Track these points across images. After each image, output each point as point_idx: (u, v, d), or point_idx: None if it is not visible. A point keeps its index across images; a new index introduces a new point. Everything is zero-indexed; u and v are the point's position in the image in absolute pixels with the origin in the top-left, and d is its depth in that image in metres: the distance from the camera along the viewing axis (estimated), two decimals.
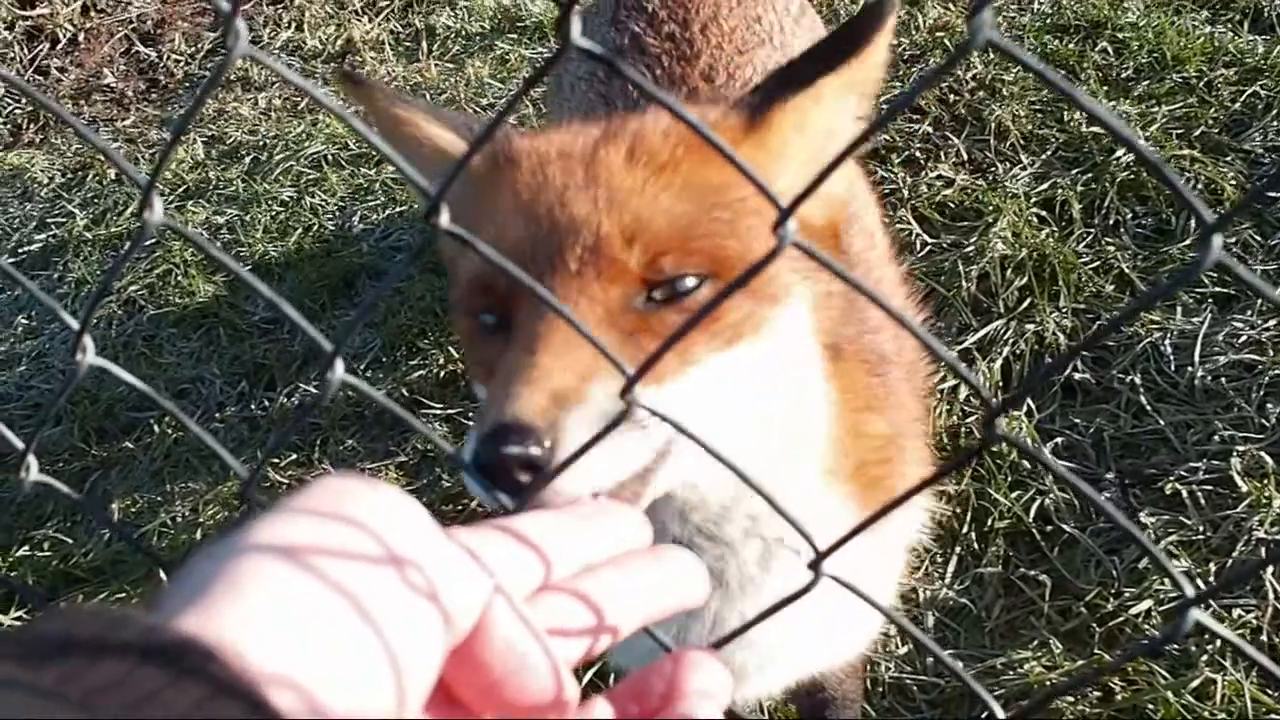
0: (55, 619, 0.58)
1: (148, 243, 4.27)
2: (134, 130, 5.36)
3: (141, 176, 0.78)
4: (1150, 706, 2.45)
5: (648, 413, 0.91)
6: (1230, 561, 2.64)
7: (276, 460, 3.47)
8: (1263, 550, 2.65)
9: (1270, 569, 2.61)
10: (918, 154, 3.88)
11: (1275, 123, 3.66)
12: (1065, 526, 2.79)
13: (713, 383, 1.28)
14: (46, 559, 3.41)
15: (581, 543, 0.82)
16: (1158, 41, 4.05)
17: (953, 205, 3.66)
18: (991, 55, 4.05)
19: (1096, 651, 2.58)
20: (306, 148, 4.73)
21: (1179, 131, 3.71)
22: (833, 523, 1.44)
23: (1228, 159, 3.58)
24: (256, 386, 3.83)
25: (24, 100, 5.62)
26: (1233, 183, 3.49)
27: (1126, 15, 4.21)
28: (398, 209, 4.31)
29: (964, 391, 3.10)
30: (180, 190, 4.75)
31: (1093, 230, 3.48)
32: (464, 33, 5.34)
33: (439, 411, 3.48)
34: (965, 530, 2.84)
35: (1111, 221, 3.50)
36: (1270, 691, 2.43)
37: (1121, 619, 2.61)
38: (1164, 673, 2.49)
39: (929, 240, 3.57)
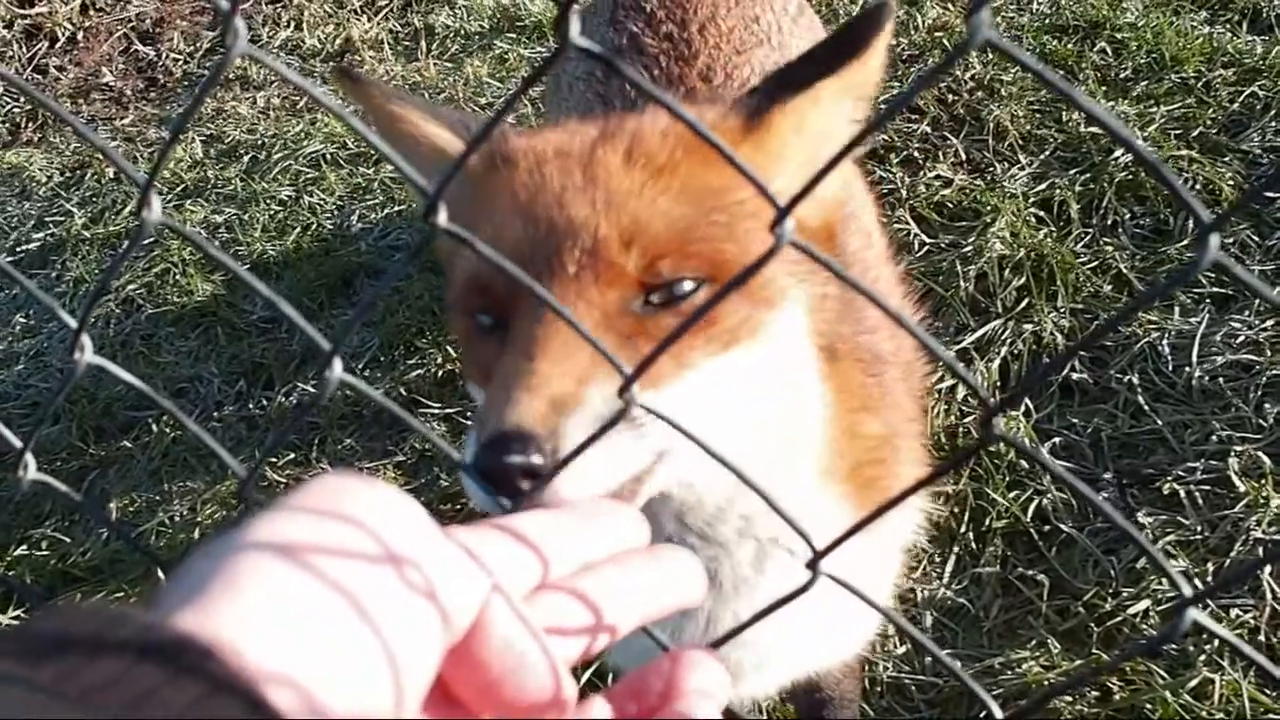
0: (53, 617, 0.58)
1: (146, 241, 4.27)
2: (132, 129, 5.36)
3: (140, 175, 0.78)
4: (1148, 706, 2.45)
5: (644, 414, 0.91)
6: (1228, 561, 2.64)
7: (274, 459, 3.47)
8: (1260, 550, 2.65)
9: (1268, 569, 2.61)
10: (916, 154, 3.88)
11: (1273, 123, 3.66)
12: (1063, 526, 2.80)
13: (709, 387, 1.28)
14: (44, 558, 3.41)
15: (580, 542, 0.82)
16: (1156, 42, 4.05)
17: (951, 205, 3.66)
18: (990, 55, 4.06)
19: (1094, 651, 2.58)
20: (305, 147, 4.73)
21: (1177, 132, 3.71)
22: (828, 523, 1.44)
23: (1226, 159, 3.58)
24: (254, 385, 3.83)
25: (22, 99, 5.61)
26: (1230, 183, 3.49)
27: (1125, 15, 4.22)
28: (396, 208, 4.31)
29: (962, 391, 3.10)
30: (178, 189, 4.75)
31: (1091, 230, 3.48)
32: (463, 32, 5.34)
33: (437, 411, 3.48)
34: (963, 530, 2.84)
35: (1109, 221, 3.50)
36: (1268, 691, 2.43)
37: (1119, 619, 2.61)
38: (1162, 672, 2.49)
39: (927, 240, 3.57)
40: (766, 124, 1.42)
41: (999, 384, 3.14)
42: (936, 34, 4.39)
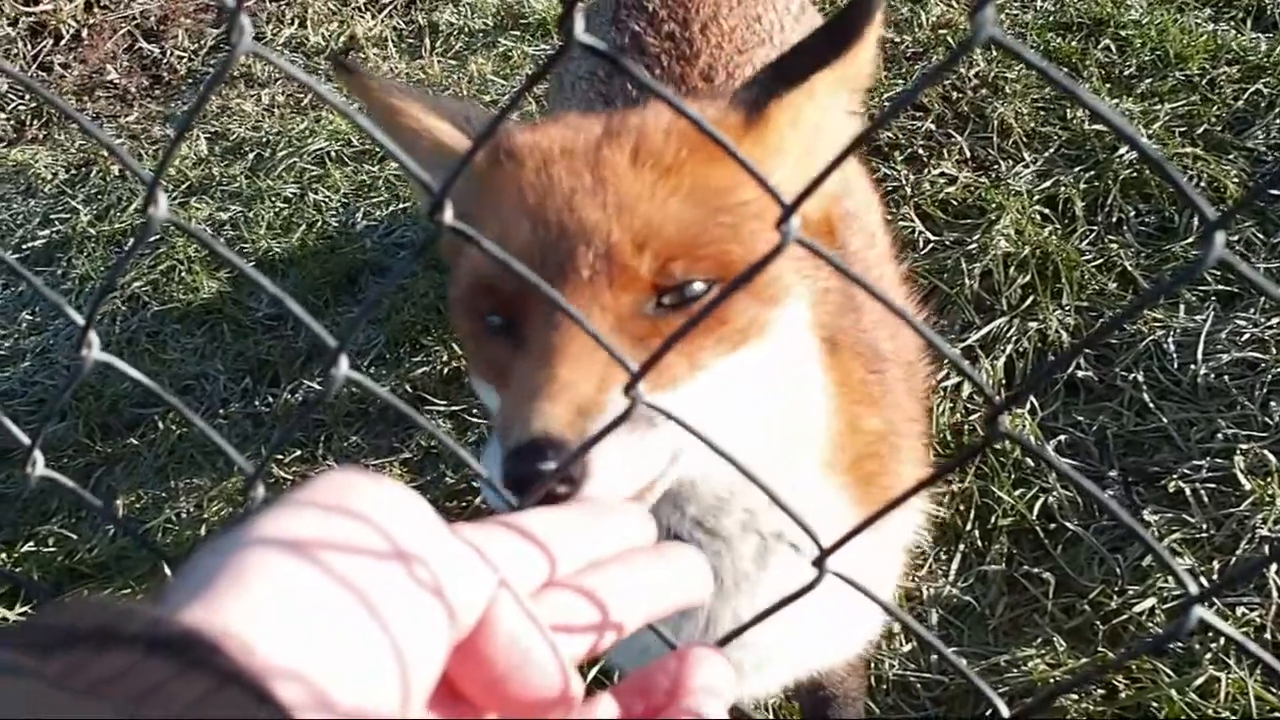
0: (61, 612, 0.58)
1: (151, 239, 4.28)
2: (137, 126, 5.36)
3: (146, 173, 0.78)
4: (1154, 704, 2.45)
5: (657, 412, 0.92)
6: (1234, 559, 2.64)
7: (280, 456, 3.47)
8: (1266, 548, 2.64)
9: (1274, 566, 2.61)
10: (920, 151, 3.88)
11: (1278, 120, 3.65)
12: (1069, 524, 2.79)
13: (721, 386, 1.28)
14: (51, 555, 3.41)
15: (587, 539, 0.82)
16: (1160, 39, 4.04)
17: (955, 203, 3.66)
18: (994, 52, 4.05)
19: (1100, 649, 2.57)
20: (309, 144, 4.73)
21: (1182, 129, 3.70)
22: (829, 516, 1.44)
23: (1230, 157, 3.58)
24: (260, 382, 3.84)
25: (28, 96, 5.61)
26: (1235, 180, 3.48)
27: (1129, 13, 4.21)
28: (401, 205, 4.31)
29: (967, 389, 3.10)
30: (183, 186, 4.75)
31: (1095, 228, 3.48)
32: (467, 29, 5.34)
33: (443, 408, 3.48)
34: (969, 528, 2.84)
35: (1114, 219, 3.50)
36: (1274, 689, 2.43)
37: (1125, 616, 2.61)
38: (1168, 670, 2.49)
39: (932, 238, 3.57)
40: (765, 119, 1.42)
41: (1004, 382, 3.13)
42: (940, 31, 4.38)
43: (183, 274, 4.29)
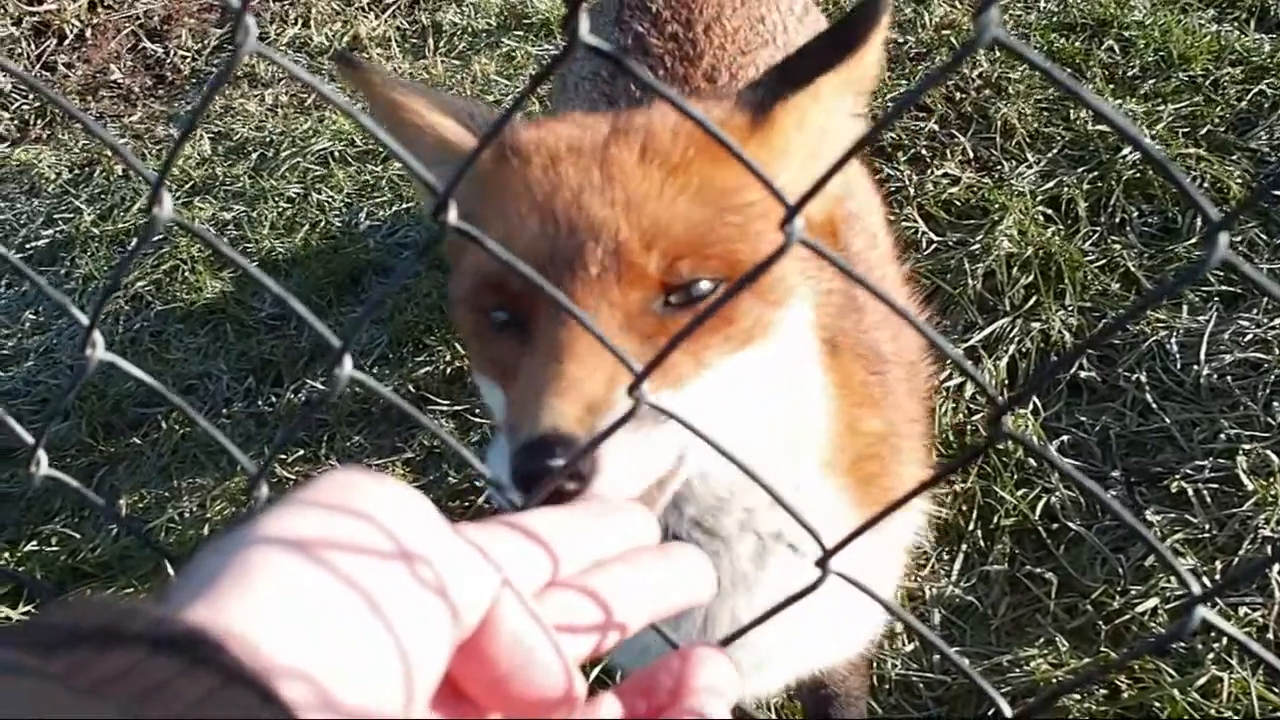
0: (64, 610, 0.58)
1: (155, 239, 4.28)
2: (141, 126, 5.37)
3: (150, 173, 0.78)
4: (1157, 704, 2.45)
5: (660, 411, 0.92)
6: (1236, 559, 2.64)
7: (283, 456, 3.47)
8: (1269, 548, 2.64)
9: (1276, 567, 2.61)
10: (924, 152, 3.88)
11: None
12: (1071, 524, 2.79)
13: (727, 385, 1.29)
14: (54, 554, 3.42)
15: (591, 539, 0.82)
16: (1164, 40, 4.04)
17: (959, 203, 3.66)
18: (998, 53, 4.05)
19: (1103, 649, 2.57)
20: (313, 144, 4.73)
21: (1185, 130, 3.70)
22: (829, 516, 1.44)
23: (1234, 157, 3.58)
24: (263, 382, 3.84)
25: (31, 96, 5.62)
26: (1239, 181, 3.48)
27: (1133, 13, 4.21)
28: (404, 205, 4.31)
29: (970, 389, 3.10)
30: (187, 186, 4.75)
31: (1099, 228, 3.48)
32: (470, 29, 5.34)
33: (445, 408, 3.49)
34: (971, 528, 2.84)
35: (1117, 220, 3.50)
36: (1277, 689, 2.43)
37: (1128, 617, 2.61)
38: (1170, 670, 2.49)
39: (935, 238, 3.57)
40: (770, 120, 1.42)
41: (1007, 382, 3.13)
42: (944, 32, 4.38)
43: (186, 274, 4.29)
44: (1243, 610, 2.57)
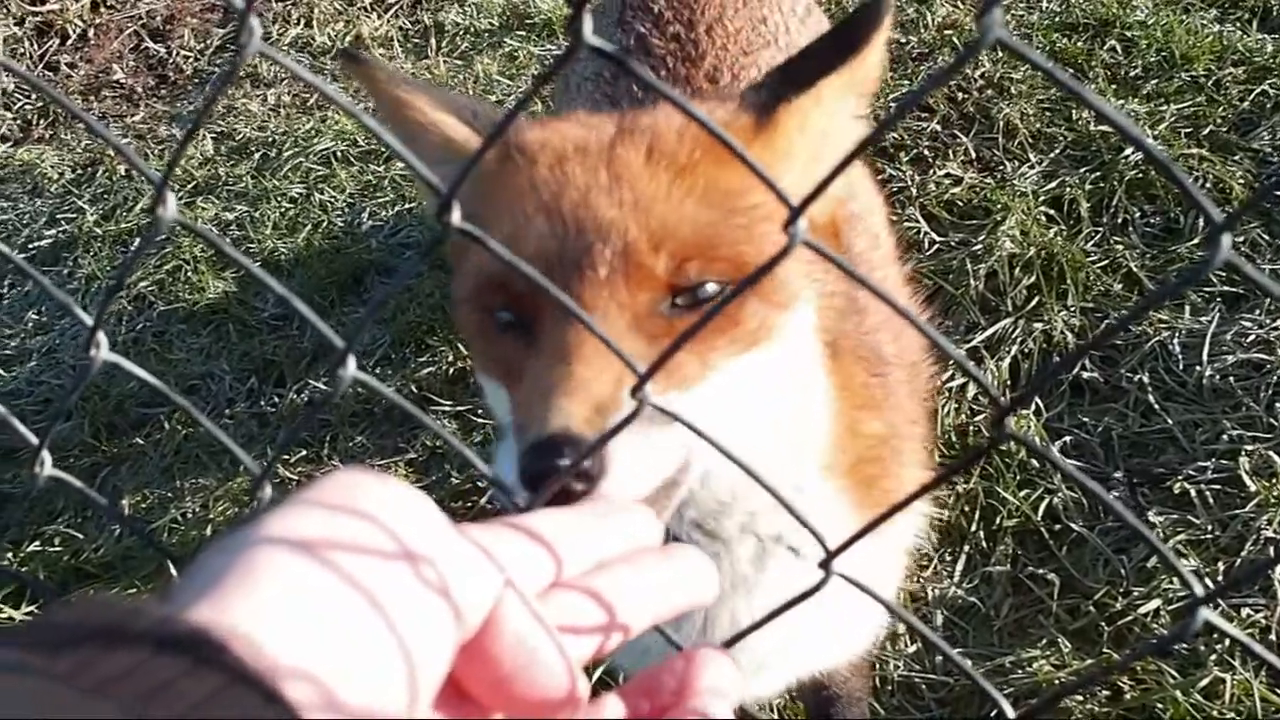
0: (68, 610, 0.58)
1: (158, 239, 4.28)
2: (143, 126, 5.37)
3: (154, 174, 0.78)
4: (1159, 705, 2.45)
5: (664, 413, 0.92)
6: (1239, 561, 2.64)
7: (286, 456, 3.48)
8: (1271, 549, 2.64)
9: (1279, 568, 2.61)
10: (926, 152, 3.88)
11: None
12: (1074, 525, 2.79)
13: (733, 387, 1.29)
14: (57, 554, 3.42)
15: (593, 541, 0.82)
16: (1166, 40, 4.04)
17: (961, 203, 3.66)
18: (1000, 53, 4.05)
19: (1105, 650, 2.57)
20: (316, 144, 4.73)
21: (1187, 130, 3.70)
22: (829, 518, 1.44)
23: (1236, 158, 3.58)
24: (266, 383, 3.84)
25: (34, 96, 5.62)
26: (1241, 181, 3.48)
27: (1135, 13, 4.21)
28: (407, 205, 4.31)
29: (972, 390, 3.10)
30: (189, 186, 4.75)
31: (1101, 229, 3.48)
32: (473, 29, 5.34)
33: (448, 408, 3.49)
34: (974, 529, 2.84)
35: (1120, 220, 3.50)
36: (1279, 690, 2.43)
37: (1130, 618, 2.61)
38: (1173, 672, 2.49)
39: (937, 239, 3.56)
40: (774, 123, 1.42)
41: (1009, 383, 3.13)
42: (946, 32, 4.38)
43: (189, 274, 4.29)
44: (1245, 612, 2.57)
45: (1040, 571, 2.75)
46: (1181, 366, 3.06)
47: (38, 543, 3.47)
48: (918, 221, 3.61)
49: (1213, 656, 2.49)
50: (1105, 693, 2.52)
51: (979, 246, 3.46)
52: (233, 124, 5.10)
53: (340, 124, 4.82)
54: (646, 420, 0.90)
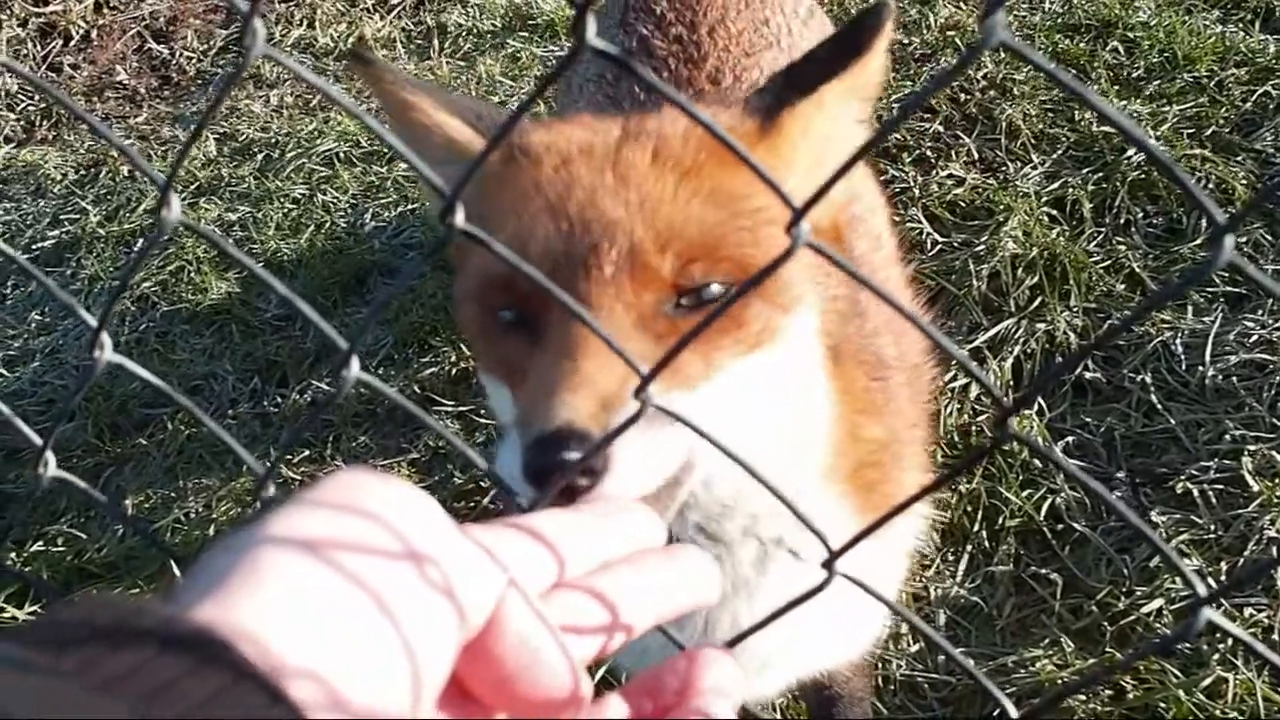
0: (73, 608, 0.58)
1: (161, 240, 4.28)
2: (146, 127, 5.37)
3: (159, 175, 0.78)
4: (1162, 705, 2.45)
5: (668, 414, 0.92)
6: (1242, 560, 2.64)
7: (289, 457, 3.48)
8: (1274, 549, 2.64)
9: None
10: (928, 153, 3.88)
11: None
12: (1076, 525, 2.79)
13: (737, 388, 1.29)
14: (60, 554, 3.42)
15: (597, 541, 0.82)
16: (1169, 41, 4.04)
17: (963, 204, 3.66)
18: (1002, 54, 4.05)
19: (1108, 650, 2.57)
20: (318, 145, 4.74)
21: (1190, 131, 3.70)
22: (830, 522, 1.44)
23: (1239, 159, 3.58)
24: (269, 383, 3.84)
25: (37, 97, 5.63)
26: (1244, 182, 3.48)
27: (1138, 14, 4.21)
28: (410, 206, 4.32)
29: (975, 390, 3.10)
30: (193, 187, 4.76)
31: (1104, 229, 3.48)
32: (475, 30, 5.34)
33: (450, 409, 3.49)
34: (976, 529, 2.84)
35: (1122, 221, 3.50)
36: None
37: (1133, 617, 2.61)
38: (1176, 671, 2.49)
39: (940, 239, 3.56)
40: (778, 127, 1.43)
41: (1012, 383, 3.13)
42: (949, 33, 4.38)
43: (191, 275, 4.30)
44: (1248, 611, 2.57)
45: (1043, 571, 2.75)
46: (1184, 367, 3.06)
47: (41, 543, 3.48)
48: (920, 222, 3.61)
49: (1215, 656, 2.49)
50: (1108, 692, 2.52)
51: (982, 247, 3.46)
52: (235, 125, 5.10)
53: (343, 125, 4.82)
54: (650, 419, 0.90)
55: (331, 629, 0.62)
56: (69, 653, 0.54)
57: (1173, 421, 2.94)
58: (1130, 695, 2.49)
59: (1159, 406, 2.99)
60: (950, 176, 3.75)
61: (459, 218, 0.75)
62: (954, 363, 2.84)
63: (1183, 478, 2.81)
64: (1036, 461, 2.90)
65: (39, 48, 5.86)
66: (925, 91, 0.67)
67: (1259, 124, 3.68)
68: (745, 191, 1.35)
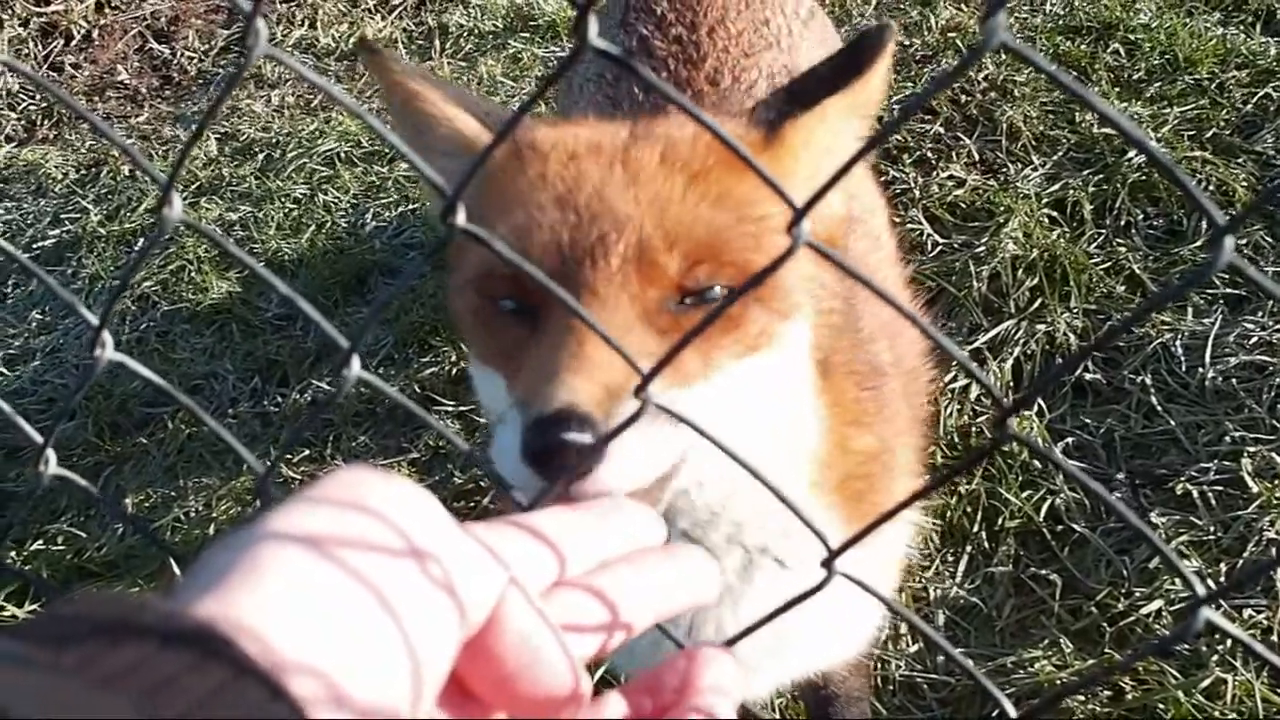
0: (73, 605, 0.58)
1: (162, 239, 4.28)
2: (148, 127, 5.37)
3: (160, 174, 0.79)
4: (1161, 706, 2.45)
5: (667, 413, 0.92)
6: (1241, 562, 2.64)
7: (289, 456, 3.48)
8: (1273, 550, 2.65)
9: None
10: (929, 154, 3.88)
11: None
12: (1076, 526, 2.79)
13: (734, 389, 1.30)
14: (60, 553, 3.42)
15: (597, 540, 0.83)
16: (1169, 43, 4.04)
17: (964, 205, 3.66)
18: (1003, 56, 4.04)
19: (1107, 651, 2.58)
20: (319, 145, 4.74)
21: (1190, 133, 3.70)
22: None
23: (1239, 161, 3.58)
24: (269, 383, 3.84)
25: (38, 96, 5.63)
26: (1244, 184, 3.48)
27: (1139, 17, 4.21)
28: (411, 206, 4.32)
29: (975, 391, 3.10)
30: (194, 187, 4.76)
31: (1104, 231, 3.48)
32: (477, 31, 5.34)
33: (451, 408, 3.49)
34: (976, 529, 2.84)
35: (1123, 222, 3.50)
36: None
37: (1132, 618, 2.61)
38: (1174, 672, 2.49)
39: (940, 240, 3.57)
40: (781, 138, 1.45)
41: (1012, 384, 3.13)
42: (950, 34, 4.38)
43: (192, 274, 4.30)
44: (1247, 612, 2.57)
45: (1042, 572, 2.75)
46: (1184, 368, 3.06)
47: (41, 541, 3.48)
48: (921, 223, 3.61)
49: (1214, 657, 2.49)
50: (1107, 693, 2.52)
51: (982, 248, 3.46)
52: (237, 125, 5.10)
53: (344, 125, 4.82)
54: (649, 413, 0.90)
55: (333, 625, 0.62)
56: (69, 649, 0.54)
57: (1172, 423, 2.95)
58: (1129, 696, 2.49)
59: (1159, 408, 2.99)
60: (951, 178, 3.75)
61: (460, 217, 0.75)
62: (954, 363, 2.85)
63: (1182, 479, 2.82)
64: (1036, 462, 2.90)
65: (40, 47, 5.86)
66: (926, 93, 0.67)
67: (1259, 126, 3.68)
68: (751, 198, 1.36)
